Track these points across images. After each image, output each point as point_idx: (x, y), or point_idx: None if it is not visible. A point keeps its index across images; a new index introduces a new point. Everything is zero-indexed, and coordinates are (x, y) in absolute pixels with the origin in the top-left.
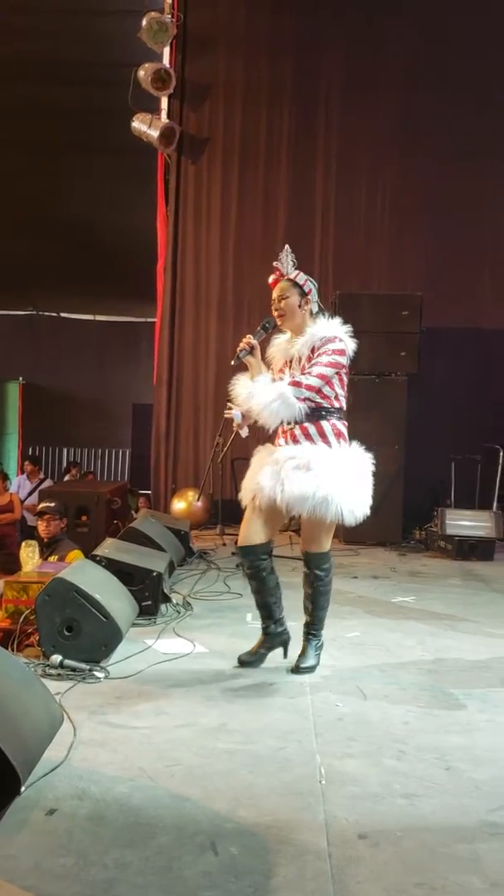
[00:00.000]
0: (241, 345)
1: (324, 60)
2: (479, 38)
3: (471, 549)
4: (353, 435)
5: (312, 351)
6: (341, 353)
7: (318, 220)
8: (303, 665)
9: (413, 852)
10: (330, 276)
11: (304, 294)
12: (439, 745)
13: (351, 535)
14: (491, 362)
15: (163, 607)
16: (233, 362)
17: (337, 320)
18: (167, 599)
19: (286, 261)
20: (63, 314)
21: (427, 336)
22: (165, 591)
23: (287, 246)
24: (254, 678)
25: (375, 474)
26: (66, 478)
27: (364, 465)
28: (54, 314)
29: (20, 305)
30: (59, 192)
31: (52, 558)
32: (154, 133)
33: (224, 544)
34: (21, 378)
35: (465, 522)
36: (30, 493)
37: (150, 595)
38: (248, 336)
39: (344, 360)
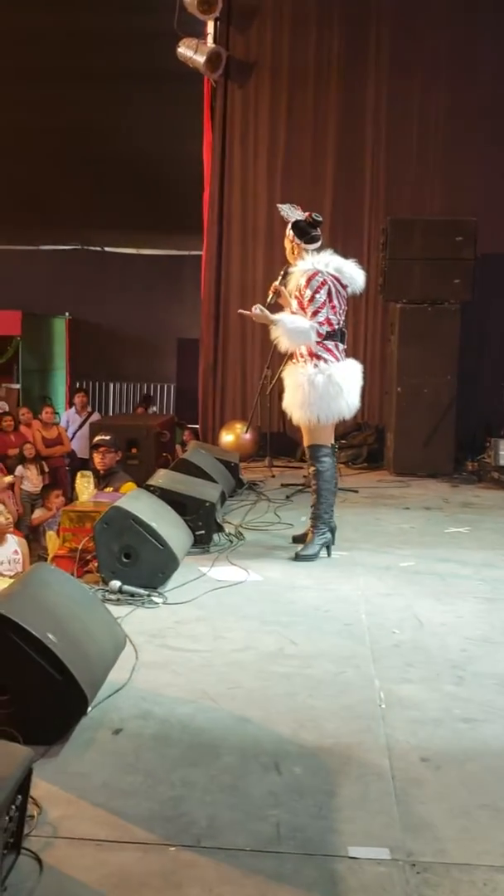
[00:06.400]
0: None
1: None
2: None
3: None
4: (404, 365)
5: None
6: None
7: (368, 143)
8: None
9: (476, 775)
10: (381, 200)
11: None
12: (498, 671)
13: (401, 467)
14: None
15: (215, 537)
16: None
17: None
18: (220, 529)
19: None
20: (108, 248)
21: (482, 263)
22: (218, 520)
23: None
24: (308, 604)
25: (427, 405)
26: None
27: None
28: (98, 248)
29: (65, 240)
30: (101, 122)
31: (108, 490)
32: (200, 58)
33: (273, 476)
34: (67, 313)
35: None
36: (80, 427)
37: (203, 524)
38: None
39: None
